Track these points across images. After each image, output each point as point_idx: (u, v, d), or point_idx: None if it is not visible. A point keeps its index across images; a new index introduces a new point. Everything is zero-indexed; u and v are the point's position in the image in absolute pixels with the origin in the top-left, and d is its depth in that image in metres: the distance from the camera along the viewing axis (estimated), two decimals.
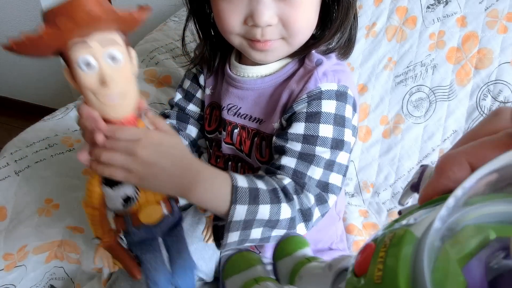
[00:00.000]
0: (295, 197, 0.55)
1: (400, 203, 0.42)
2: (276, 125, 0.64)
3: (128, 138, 0.47)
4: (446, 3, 0.95)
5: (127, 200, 0.49)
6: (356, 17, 0.66)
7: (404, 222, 0.19)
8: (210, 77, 0.74)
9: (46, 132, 0.91)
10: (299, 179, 0.57)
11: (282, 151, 0.59)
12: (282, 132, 0.61)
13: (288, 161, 0.58)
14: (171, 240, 0.54)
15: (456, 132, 0.93)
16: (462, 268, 0.17)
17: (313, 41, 0.64)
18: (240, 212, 0.51)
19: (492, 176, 0.18)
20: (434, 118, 0.94)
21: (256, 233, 0.53)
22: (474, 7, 0.93)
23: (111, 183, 0.48)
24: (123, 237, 0.53)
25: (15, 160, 0.82)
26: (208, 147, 0.77)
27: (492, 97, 0.90)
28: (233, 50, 0.71)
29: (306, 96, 0.61)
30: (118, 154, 0.47)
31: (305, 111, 0.60)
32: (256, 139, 0.68)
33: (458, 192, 0.18)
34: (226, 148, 0.71)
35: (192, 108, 0.77)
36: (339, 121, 0.60)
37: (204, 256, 0.78)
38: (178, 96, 0.78)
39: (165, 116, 0.77)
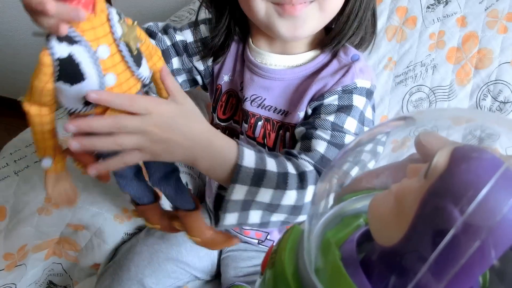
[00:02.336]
0: (311, 187, 0.50)
1: None
2: (301, 113, 0.62)
3: (138, 111, 0.43)
4: (446, 3, 0.95)
5: None
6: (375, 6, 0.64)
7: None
8: (228, 64, 0.70)
9: None
10: (323, 166, 0.53)
11: (310, 137, 0.56)
12: (309, 120, 0.59)
13: (318, 146, 0.55)
14: None
15: None
16: (340, 246, 0.23)
17: (338, 31, 0.62)
18: (240, 192, 0.48)
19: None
20: None
21: (255, 216, 0.50)
22: (474, 7, 0.93)
23: (69, 77, 0.38)
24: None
25: (15, 160, 0.82)
26: None
27: (492, 97, 0.90)
28: (252, 34, 0.67)
29: (340, 89, 0.59)
30: (129, 136, 0.43)
31: (336, 103, 0.58)
32: (281, 131, 0.65)
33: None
34: (244, 141, 0.67)
35: (177, 61, 0.68)
36: (362, 119, 0.59)
37: (199, 253, 0.78)
38: (180, 37, 0.68)
39: (152, 36, 0.65)
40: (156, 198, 0.59)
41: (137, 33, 0.41)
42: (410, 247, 0.19)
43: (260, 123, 0.66)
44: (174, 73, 0.68)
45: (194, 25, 0.69)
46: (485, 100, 0.90)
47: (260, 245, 0.80)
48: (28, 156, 0.83)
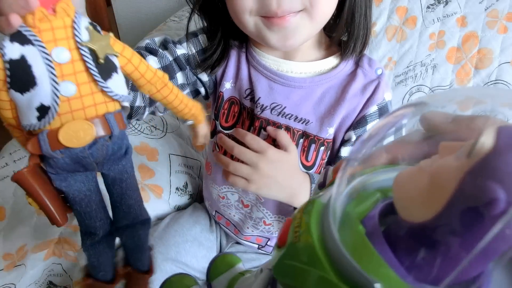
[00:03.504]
0: None
1: None
2: (331, 130, 0.64)
3: (256, 148, 0.58)
4: (446, 3, 0.95)
5: (43, 111, 0.34)
6: (370, 7, 0.63)
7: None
8: (230, 71, 0.68)
9: None
10: None
11: None
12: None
13: None
14: (113, 179, 0.39)
15: None
16: (361, 220, 0.22)
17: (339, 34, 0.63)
18: None
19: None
20: None
21: None
22: (474, 7, 0.93)
23: (20, 83, 0.33)
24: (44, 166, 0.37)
25: (14, 161, 0.82)
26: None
27: None
28: (254, 41, 0.65)
29: (377, 109, 0.63)
30: (244, 166, 0.58)
31: None
32: (302, 140, 0.65)
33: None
34: None
35: (190, 72, 0.67)
36: None
37: (197, 254, 0.78)
38: (182, 51, 0.65)
39: (153, 52, 0.63)
40: (115, 279, 0.47)
41: (111, 43, 0.36)
42: (444, 224, 0.19)
43: None
44: (179, 87, 0.66)
45: (192, 36, 0.67)
46: None
47: (260, 250, 0.80)
48: (27, 156, 0.83)
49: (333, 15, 0.60)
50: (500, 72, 0.89)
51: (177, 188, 0.86)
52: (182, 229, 0.79)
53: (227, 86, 0.69)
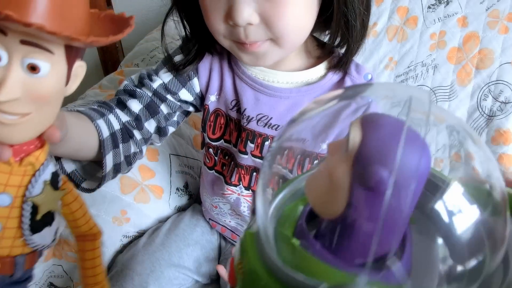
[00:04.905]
0: None
1: None
2: (324, 145, 0.61)
3: None
4: (447, 3, 0.95)
5: None
6: (369, 9, 0.61)
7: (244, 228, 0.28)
8: (214, 83, 0.67)
9: None
10: None
11: None
12: None
13: None
14: None
15: None
16: (293, 232, 0.25)
17: (330, 44, 0.60)
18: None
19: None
20: None
21: None
22: (475, 7, 0.93)
23: None
24: None
25: None
26: (212, 154, 0.71)
27: (493, 97, 0.89)
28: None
29: None
30: None
31: None
32: None
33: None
34: (249, 160, 0.66)
35: (172, 100, 0.66)
36: None
37: (199, 258, 0.78)
38: (158, 82, 0.64)
39: (132, 95, 0.63)
40: None
41: (62, 197, 0.37)
42: (354, 213, 0.22)
43: (267, 143, 0.64)
44: (167, 117, 0.66)
45: (168, 62, 0.66)
46: (486, 100, 0.90)
47: None
48: None
49: (323, 20, 0.58)
50: (501, 72, 0.89)
51: (177, 189, 0.86)
52: (183, 233, 0.79)
53: (212, 99, 0.67)
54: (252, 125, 0.64)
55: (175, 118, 0.67)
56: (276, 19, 0.52)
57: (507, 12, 0.90)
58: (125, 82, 0.65)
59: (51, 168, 0.36)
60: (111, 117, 0.59)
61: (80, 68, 0.35)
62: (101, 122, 0.56)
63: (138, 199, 0.80)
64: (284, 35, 0.54)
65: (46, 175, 0.35)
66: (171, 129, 0.68)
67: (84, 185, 0.56)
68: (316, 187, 0.24)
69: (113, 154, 0.58)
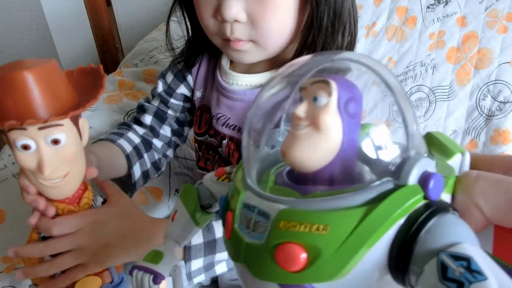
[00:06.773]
0: None
1: None
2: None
3: (68, 232, 0.48)
4: (446, 3, 0.95)
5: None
6: (355, 19, 0.60)
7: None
8: (200, 80, 0.71)
9: None
10: None
11: None
12: None
13: None
14: None
15: (456, 132, 0.93)
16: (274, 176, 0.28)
17: (301, 48, 0.58)
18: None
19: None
20: (434, 118, 0.94)
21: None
22: (474, 7, 0.93)
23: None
24: None
25: (13, 163, 0.82)
26: (197, 149, 0.75)
27: (492, 97, 0.89)
28: (223, 54, 0.67)
29: None
30: (64, 257, 0.49)
31: None
32: None
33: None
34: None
35: (174, 102, 0.73)
36: None
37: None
38: (160, 87, 0.73)
39: (143, 110, 0.73)
40: None
41: None
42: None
43: (224, 141, 0.66)
44: (176, 119, 0.74)
45: (161, 77, 0.73)
46: (485, 100, 0.90)
47: None
48: None
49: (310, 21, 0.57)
50: (500, 72, 0.89)
51: (176, 190, 0.86)
52: None
53: (198, 94, 0.71)
54: (214, 123, 0.67)
55: (184, 118, 0.74)
56: (262, 19, 0.54)
57: (506, 12, 0.90)
58: (140, 101, 0.75)
59: (100, 199, 0.51)
60: (130, 134, 0.70)
61: (84, 123, 0.44)
62: (121, 141, 0.67)
63: (137, 201, 0.80)
64: (267, 37, 0.56)
65: (99, 204, 0.50)
66: (186, 129, 0.76)
67: None
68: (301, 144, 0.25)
69: (139, 164, 0.69)
